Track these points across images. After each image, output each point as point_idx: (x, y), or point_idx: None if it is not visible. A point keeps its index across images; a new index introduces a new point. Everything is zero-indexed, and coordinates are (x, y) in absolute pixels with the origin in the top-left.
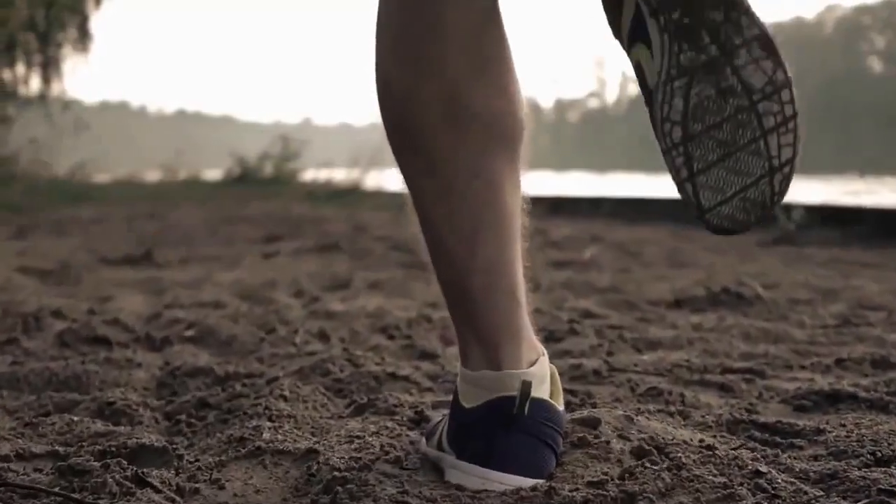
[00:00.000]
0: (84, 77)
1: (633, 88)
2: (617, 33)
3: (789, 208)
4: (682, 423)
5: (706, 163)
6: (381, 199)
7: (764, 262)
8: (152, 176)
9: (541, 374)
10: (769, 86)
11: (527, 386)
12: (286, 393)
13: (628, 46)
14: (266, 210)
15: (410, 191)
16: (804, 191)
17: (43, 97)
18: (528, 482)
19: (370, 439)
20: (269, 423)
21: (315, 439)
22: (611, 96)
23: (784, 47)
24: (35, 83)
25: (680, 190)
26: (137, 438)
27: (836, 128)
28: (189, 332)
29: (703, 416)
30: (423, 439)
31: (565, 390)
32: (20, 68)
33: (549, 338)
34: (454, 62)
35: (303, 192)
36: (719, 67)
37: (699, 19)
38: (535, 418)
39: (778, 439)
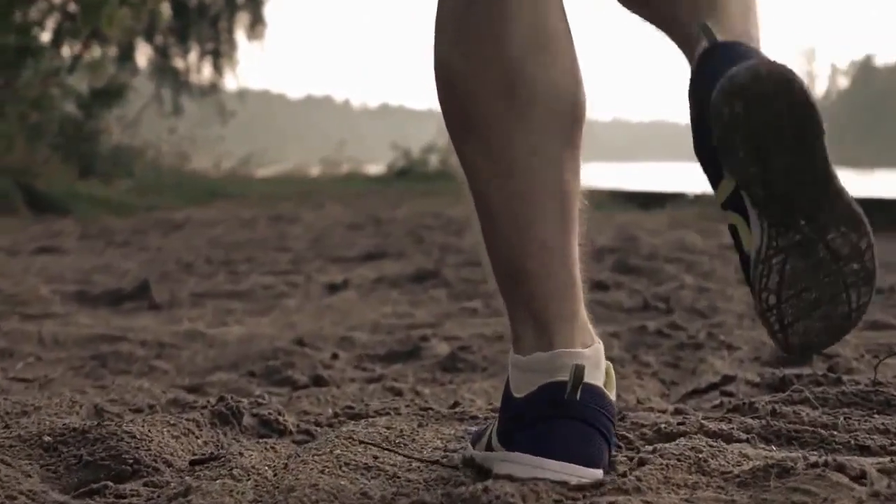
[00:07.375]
0: (286, 70)
1: (843, 82)
2: (713, 185)
3: None
4: None
5: (796, 317)
6: None
7: None
8: (316, 171)
9: (595, 359)
10: (854, 252)
11: (580, 370)
12: None
13: (723, 208)
14: (411, 212)
15: (467, 174)
16: None
17: (214, 86)
18: (580, 471)
19: None
20: None
21: None
22: (819, 89)
23: None
24: (207, 72)
25: (772, 337)
26: None
27: None
28: None
29: None
30: (469, 445)
31: None
32: (192, 57)
33: None
34: (517, 39)
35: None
36: (812, 245)
37: (798, 209)
38: (587, 404)
39: None
